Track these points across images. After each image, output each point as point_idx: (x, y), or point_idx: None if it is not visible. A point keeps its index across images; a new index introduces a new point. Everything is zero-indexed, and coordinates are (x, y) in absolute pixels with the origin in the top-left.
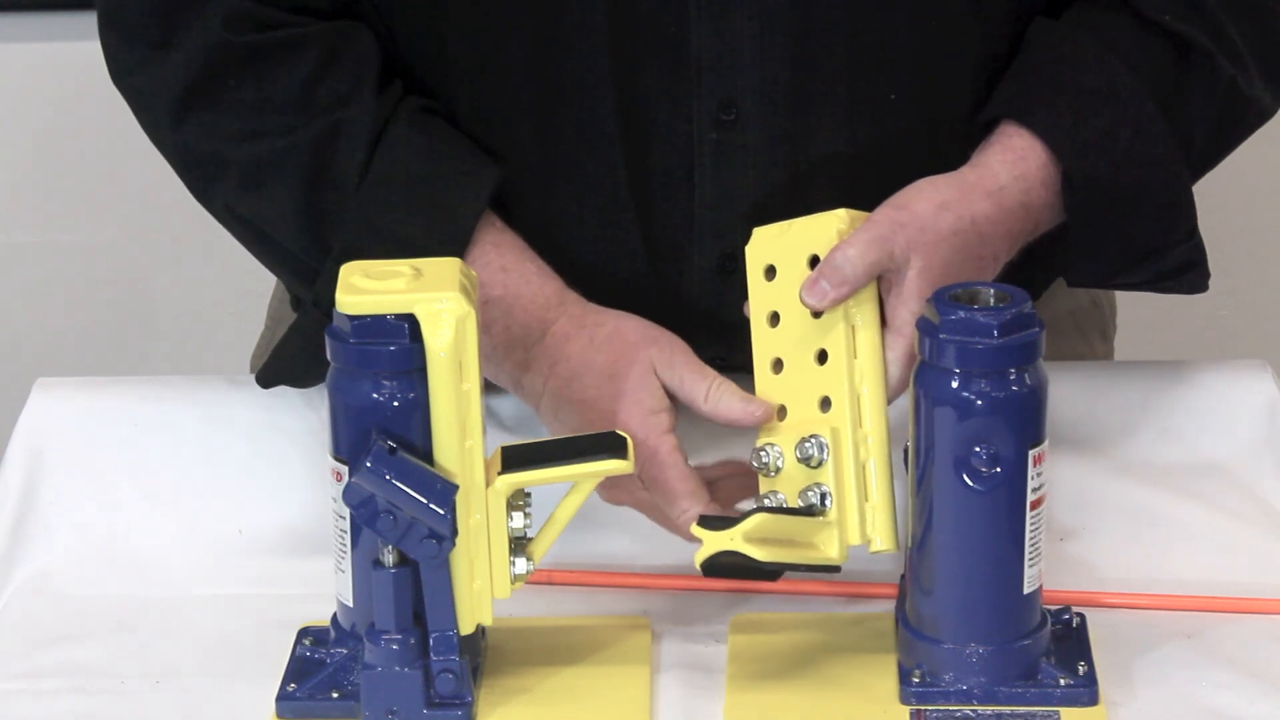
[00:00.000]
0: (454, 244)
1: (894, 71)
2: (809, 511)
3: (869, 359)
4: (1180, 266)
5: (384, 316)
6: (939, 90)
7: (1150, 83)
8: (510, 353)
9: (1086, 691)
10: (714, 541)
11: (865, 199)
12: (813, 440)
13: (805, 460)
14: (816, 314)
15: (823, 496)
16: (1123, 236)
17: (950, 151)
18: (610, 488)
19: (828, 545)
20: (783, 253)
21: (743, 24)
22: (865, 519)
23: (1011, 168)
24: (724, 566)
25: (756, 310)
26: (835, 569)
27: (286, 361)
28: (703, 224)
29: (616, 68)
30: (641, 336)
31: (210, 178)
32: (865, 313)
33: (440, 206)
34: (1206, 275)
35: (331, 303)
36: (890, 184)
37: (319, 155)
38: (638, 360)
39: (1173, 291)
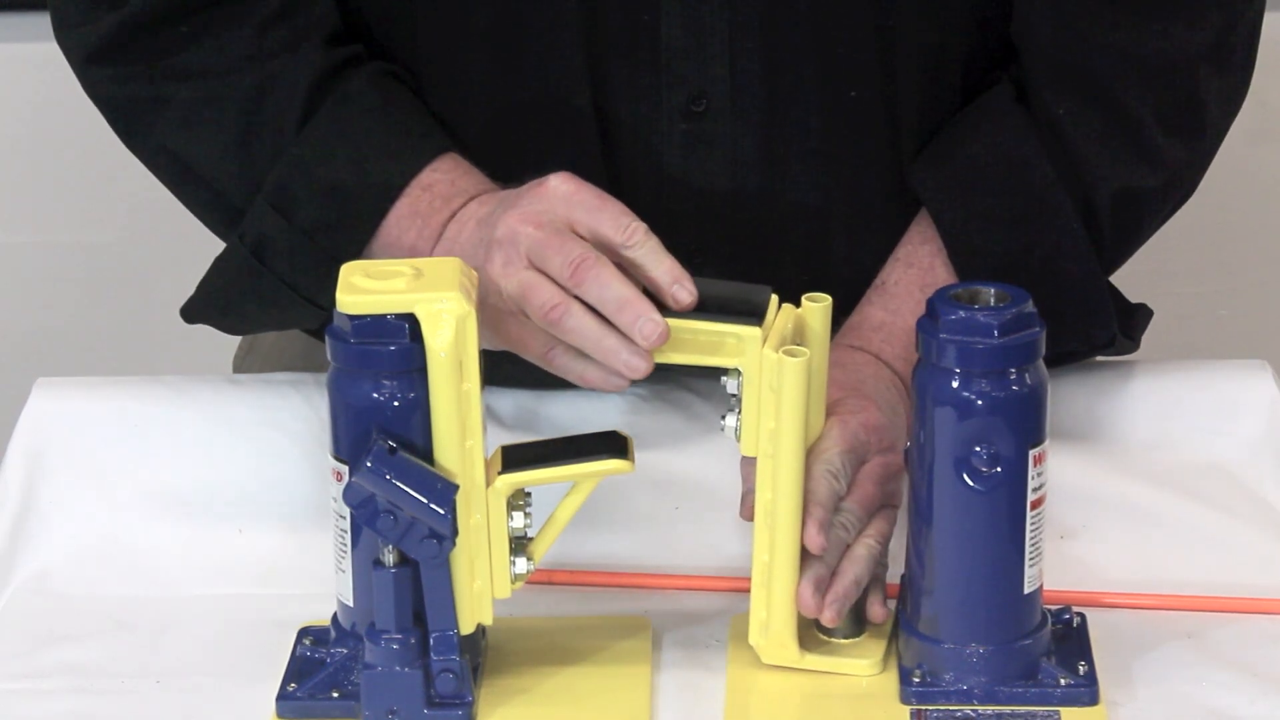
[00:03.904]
0: (382, 195)
1: (855, 68)
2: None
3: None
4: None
5: (384, 316)
6: (897, 86)
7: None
8: (449, 202)
9: (1087, 691)
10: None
11: (834, 191)
12: None
13: None
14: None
15: None
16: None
17: (910, 144)
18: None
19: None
20: None
21: (713, 15)
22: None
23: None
24: None
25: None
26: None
27: (208, 296)
28: (671, 215)
29: (587, 56)
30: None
31: (147, 118)
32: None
33: (376, 159)
34: (1134, 346)
35: (258, 238)
36: (859, 177)
37: (260, 98)
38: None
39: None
